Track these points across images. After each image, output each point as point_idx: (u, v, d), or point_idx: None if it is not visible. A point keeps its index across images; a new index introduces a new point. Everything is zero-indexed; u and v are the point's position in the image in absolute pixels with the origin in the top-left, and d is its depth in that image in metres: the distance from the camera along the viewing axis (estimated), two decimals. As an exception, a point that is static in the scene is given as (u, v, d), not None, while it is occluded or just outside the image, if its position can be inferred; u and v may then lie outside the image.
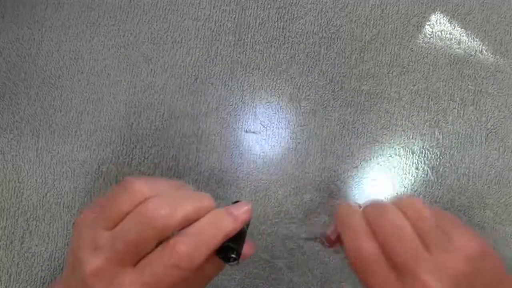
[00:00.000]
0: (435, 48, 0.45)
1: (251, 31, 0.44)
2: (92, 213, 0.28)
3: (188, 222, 0.26)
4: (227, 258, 0.27)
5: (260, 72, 0.43)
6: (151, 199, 0.26)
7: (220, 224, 0.27)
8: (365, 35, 0.44)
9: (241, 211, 0.29)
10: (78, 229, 0.28)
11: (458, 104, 0.44)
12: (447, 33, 0.45)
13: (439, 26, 0.45)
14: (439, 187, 0.43)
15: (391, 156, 0.43)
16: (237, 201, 0.30)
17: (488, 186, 0.43)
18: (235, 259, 0.27)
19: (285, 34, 0.44)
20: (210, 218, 0.27)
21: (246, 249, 0.29)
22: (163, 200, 0.26)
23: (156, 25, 0.43)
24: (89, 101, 0.42)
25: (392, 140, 0.43)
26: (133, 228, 0.25)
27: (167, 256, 0.25)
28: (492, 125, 0.44)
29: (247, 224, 0.29)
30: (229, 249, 0.27)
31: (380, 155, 0.43)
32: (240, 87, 0.43)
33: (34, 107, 0.41)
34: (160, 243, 0.26)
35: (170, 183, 0.29)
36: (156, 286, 0.25)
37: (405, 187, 0.43)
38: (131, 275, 0.25)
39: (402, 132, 0.43)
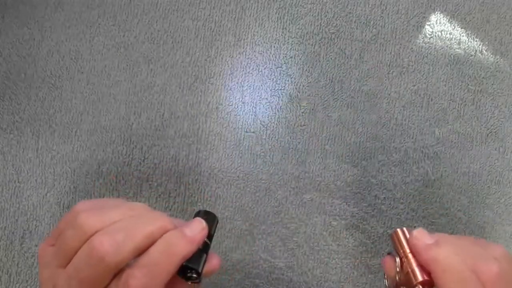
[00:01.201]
0: (435, 48, 0.45)
1: (251, 31, 0.44)
2: (48, 243, 0.27)
3: (140, 251, 0.25)
4: (187, 278, 0.26)
5: (260, 72, 0.43)
6: (97, 235, 0.25)
7: (174, 249, 0.25)
8: (365, 35, 0.44)
9: (196, 231, 0.27)
10: (40, 263, 0.27)
11: (458, 104, 0.44)
12: (447, 33, 0.45)
13: (439, 26, 0.45)
14: (439, 187, 0.43)
15: (391, 155, 0.43)
16: (199, 211, 0.29)
17: (488, 186, 0.43)
18: (196, 278, 0.26)
19: (285, 34, 0.44)
20: (164, 245, 0.25)
21: (210, 264, 0.27)
22: (110, 234, 0.25)
23: (156, 25, 0.43)
24: (89, 101, 0.42)
25: (392, 140, 0.43)
26: (84, 267, 0.24)
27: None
28: (492, 125, 0.44)
29: (210, 238, 0.28)
30: (188, 268, 0.26)
31: (380, 154, 0.43)
32: (240, 87, 0.43)
33: (34, 107, 0.41)
34: (116, 274, 0.25)
35: (120, 208, 0.27)
36: None
37: (405, 187, 0.43)
38: None
39: (402, 132, 0.43)
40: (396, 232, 0.31)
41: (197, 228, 0.27)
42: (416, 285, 0.29)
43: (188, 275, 0.26)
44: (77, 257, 0.25)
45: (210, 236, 0.28)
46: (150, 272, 0.25)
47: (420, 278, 0.29)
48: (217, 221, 0.29)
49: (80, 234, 0.25)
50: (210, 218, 0.28)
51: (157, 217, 0.26)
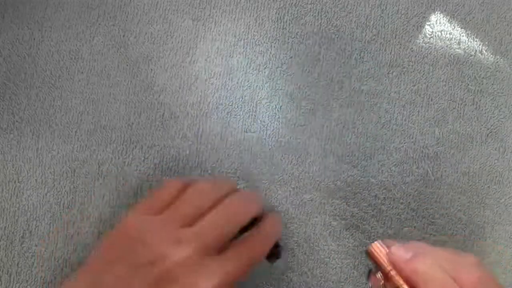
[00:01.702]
0: (435, 48, 0.45)
1: (251, 31, 0.44)
2: (146, 214, 0.30)
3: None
4: (274, 258, 0.35)
5: (260, 72, 0.43)
6: (232, 196, 0.31)
7: (278, 228, 0.34)
8: (365, 35, 0.44)
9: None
10: (139, 227, 0.29)
11: (458, 104, 0.44)
12: (447, 33, 0.45)
13: (439, 26, 0.45)
14: (439, 187, 0.43)
15: (391, 155, 0.43)
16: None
17: (488, 186, 0.43)
18: (278, 256, 0.36)
19: (285, 34, 0.44)
20: (271, 222, 0.33)
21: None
22: (240, 197, 0.32)
23: (156, 25, 0.43)
24: (89, 101, 0.42)
25: (392, 140, 0.43)
26: (222, 220, 0.29)
27: (249, 250, 0.29)
28: (492, 125, 0.44)
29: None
30: (276, 251, 0.35)
31: (380, 154, 0.43)
32: (240, 87, 0.43)
33: (34, 107, 0.41)
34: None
35: (225, 182, 0.35)
36: (233, 275, 0.28)
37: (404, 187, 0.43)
38: (215, 263, 0.27)
39: (402, 132, 0.43)
40: (372, 248, 0.32)
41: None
42: None
43: (276, 256, 0.35)
44: (215, 214, 0.29)
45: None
46: (265, 241, 0.31)
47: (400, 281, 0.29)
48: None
49: (209, 198, 0.31)
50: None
51: (253, 196, 0.38)
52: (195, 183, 0.32)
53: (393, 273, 0.30)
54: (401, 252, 0.30)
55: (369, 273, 0.32)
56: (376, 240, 0.32)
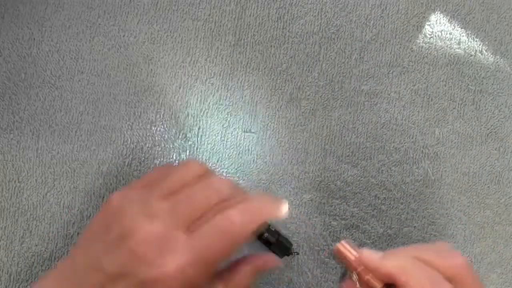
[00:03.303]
0: (435, 48, 0.45)
1: (251, 31, 0.44)
2: (130, 190, 0.28)
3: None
4: (289, 253, 0.37)
5: (260, 72, 0.43)
6: (212, 175, 0.29)
7: (270, 207, 0.29)
8: (365, 35, 0.44)
9: (283, 205, 0.31)
10: (120, 202, 0.27)
11: (458, 104, 0.44)
12: (447, 33, 0.45)
13: (439, 26, 0.45)
14: (439, 187, 0.43)
15: (391, 155, 0.43)
16: None
17: (488, 186, 0.43)
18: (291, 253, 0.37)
19: (285, 34, 0.44)
20: (256, 198, 0.29)
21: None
22: (221, 178, 0.29)
23: (156, 25, 0.43)
24: (89, 101, 0.42)
25: (392, 140, 0.43)
26: (197, 194, 0.27)
27: (221, 223, 0.26)
28: (492, 125, 0.44)
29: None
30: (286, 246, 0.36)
31: (380, 154, 0.43)
32: (240, 87, 0.43)
33: (34, 107, 0.41)
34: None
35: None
36: (206, 251, 0.25)
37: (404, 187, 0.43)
38: (183, 239, 0.25)
39: (402, 132, 0.43)
40: (342, 245, 0.31)
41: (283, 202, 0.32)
42: None
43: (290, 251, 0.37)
44: (194, 187, 0.28)
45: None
46: (250, 213, 0.27)
47: (379, 285, 0.29)
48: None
49: (191, 172, 0.29)
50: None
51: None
52: (183, 161, 0.31)
53: (368, 276, 0.30)
54: (372, 252, 0.30)
55: (343, 276, 0.32)
56: (342, 240, 0.32)
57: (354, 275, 0.30)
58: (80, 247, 0.28)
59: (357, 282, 0.30)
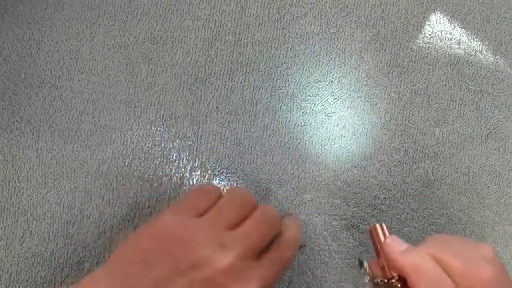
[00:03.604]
0: (435, 48, 0.45)
1: (251, 31, 0.44)
2: (185, 215, 0.30)
3: None
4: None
5: (260, 72, 0.43)
6: (264, 205, 0.32)
7: (300, 230, 0.35)
8: (365, 35, 0.44)
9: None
10: (179, 228, 0.28)
11: (458, 104, 0.44)
12: (447, 33, 0.45)
13: (439, 26, 0.45)
14: (439, 187, 0.43)
15: (391, 156, 0.43)
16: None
17: (488, 186, 0.43)
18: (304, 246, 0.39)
19: (285, 34, 0.44)
20: (294, 226, 0.34)
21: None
22: (269, 206, 0.33)
23: (156, 25, 0.43)
24: (89, 101, 0.42)
25: (392, 140, 0.43)
26: (263, 225, 0.30)
27: (282, 255, 0.30)
28: (492, 125, 0.44)
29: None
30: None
31: (380, 154, 0.43)
32: (240, 87, 0.43)
33: (34, 107, 0.41)
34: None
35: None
36: (272, 280, 0.29)
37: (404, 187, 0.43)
38: (255, 270, 0.28)
39: (402, 132, 0.43)
40: (374, 228, 0.33)
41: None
42: (390, 279, 0.30)
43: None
44: (253, 220, 0.30)
45: None
46: (293, 246, 0.32)
47: (393, 273, 0.30)
48: None
49: (250, 203, 0.32)
50: None
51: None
52: (231, 190, 0.34)
53: (386, 263, 0.30)
54: (396, 243, 0.30)
55: (361, 264, 0.33)
56: (379, 223, 0.33)
57: (365, 262, 0.33)
58: (126, 269, 0.27)
59: (368, 270, 0.32)
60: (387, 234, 0.32)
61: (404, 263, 0.29)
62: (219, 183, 0.42)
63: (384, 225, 0.32)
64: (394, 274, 0.29)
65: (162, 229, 0.29)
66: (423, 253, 0.28)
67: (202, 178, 0.42)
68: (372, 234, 0.33)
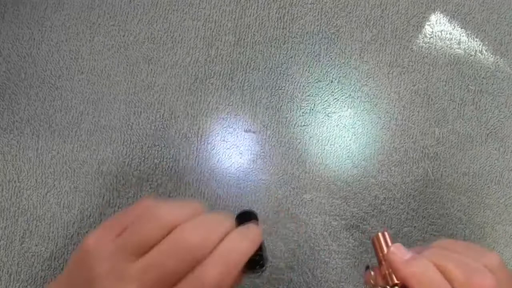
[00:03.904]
0: (435, 48, 0.45)
1: (251, 31, 0.44)
2: (106, 236, 0.27)
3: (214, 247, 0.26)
4: (257, 268, 0.29)
5: (260, 72, 0.43)
6: (184, 226, 0.26)
7: (242, 249, 0.27)
8: (365, 35, 0.44)
9: (256, 233, 0.28)
10: (95, 256, 0.26)
11: (458, 104, 0.44)
12: (447, 33, 0.45)
13: (439, 26, 0.45)
14: (439, 187, 0.43)
15: (391, 156, 0.43)
16: (242, 212, 0.30)
17: (488, 186, 0.43)
18: (261, 268, 0.29)
19: (285, 34, 0.44)
20: (233, 244, 0.26)
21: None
22: (196, 227, 0.26)
23: (156, 25, 0.43)
24: (89, 101, 0.42)
25: (392, 140, 0.43)
26: (169, 258, 0.25)
27: (200, 278, 0.25)
28: (492, 125, 0.44)
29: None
30: (256, 261, 0.28)
31: (380, 155, 0.43)
32: (240, 87, 0.43)
33: (34, 107, 0.41)
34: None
35: (191, 205, 0.28)
36: None
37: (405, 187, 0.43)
38: None
39: (402, 132, 0.43)
40: (377, 237, 0.32)
41: (256, 229, 0.28)
42: (393, 286, 0.29)
43: (257, 265, 0.29)
44: (162, 248, 0.25)
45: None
46: (223, 269, 0.25)
47: (395, 280, 0.29)
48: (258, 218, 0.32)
49: (161, 226, 0.26)
50: (254, 216, 0.30)
51: (224, 216, 0.28)
52: (146, 207, 0.27)
53: (387, 271, 0.30)
54: (400, 252, 0.30)
55: (366, 269, 0.33)
56: (381, 231, 0.32)
57: (371, 270, 0.31)
58: (59, 283, 0.28)
59: (374, 276, 0.31)
60: (389, 242, 0.32)
61: (407, 272, 0.28)
62: (218, 184, 0.42)
63: (386, 233, 0.32)
64: (397, 282, 0.29)
65: (79, 250, 0.27)
66: (426, 262, 0.28)
67: (202, 178, 0.42)
68: (374, 242, 0.32)
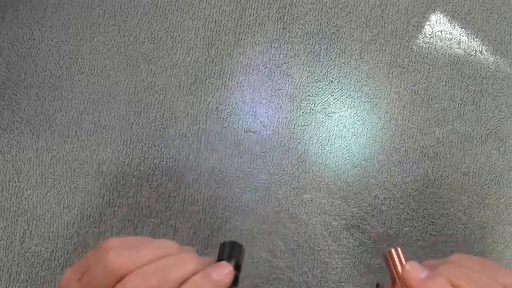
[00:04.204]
0: (435, 48, 0.45)
1: (251, 31, 0.44)
2: (74, 276, 0.27)
3: None
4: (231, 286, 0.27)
5: (260, 72, 0.43)
6: (131, 277, 0.25)
7: (212, 278, 0.26)
8: (365, 35, 0.44)
9: (223, 275, 0.27)
10: None
11: (458, 104, 0.44)
12: (447, 33, 0.45)
13: (439, 26, 0.45)
14: (439, 186, 0.43)
15: (391, 156, 0.43)
16: (224, 243, 0.29)
17: (488, 186, 0.43)
18: (235, 285, 0.27)
19: (285, 34, 0.44)
20: (196, 279, 0.26)
21: None
22: (143, 278, 0.25)
23: (156, 25, 0.43)
24: (89, 101, 0.42)
25: (392, 140, 0.43)
26: None
27: None
28: (492, 125, 0.44)
29: (239, 269, 0.29)
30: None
31: (380, 155, 0.43)
32: (240, 87, 0.43)
33: (34, 107, 0.41)
34: None
35: (150, 247, 0.27)
36: None
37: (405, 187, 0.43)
38: None
39: (402, 132, 0.43)
40: (390, 253, 0.32)
41: (223, 271, 0.27)
42: None
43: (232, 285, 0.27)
44: None
45: (238, 267, 0.28)
46: None
47: None
48: (244, 250, 0.30)
49: (110, 274, 0.25)
50: (236, 248, 0.29)
51: (187, 258, 0.27)
52: (105, 252, 0.26)
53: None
54: (415, 270, 0.30)
55: (377, 286, 0.32)
56: (395, 248, 0.31)
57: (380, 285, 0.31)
58: None
59: None
60: (403, 259, 0.31)
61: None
62: (218, 184, 0.42)
63: (399, 249, 0.32)
64: None
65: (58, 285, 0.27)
66: (443, 281, 0.28)
67: (201, 177, 0.42)
68: (388, 259, 0.32)
